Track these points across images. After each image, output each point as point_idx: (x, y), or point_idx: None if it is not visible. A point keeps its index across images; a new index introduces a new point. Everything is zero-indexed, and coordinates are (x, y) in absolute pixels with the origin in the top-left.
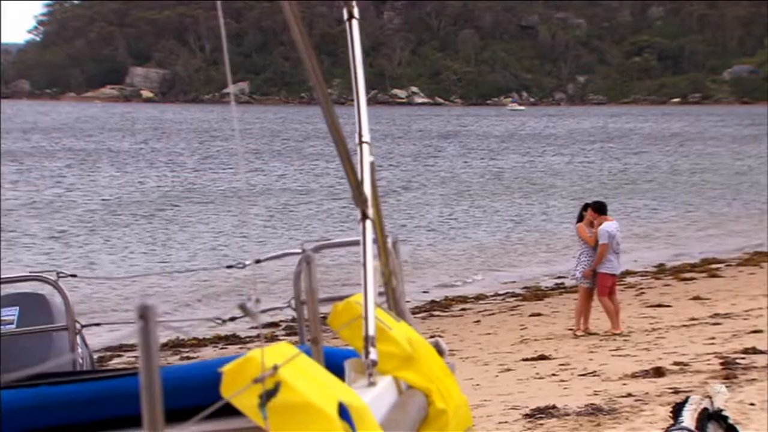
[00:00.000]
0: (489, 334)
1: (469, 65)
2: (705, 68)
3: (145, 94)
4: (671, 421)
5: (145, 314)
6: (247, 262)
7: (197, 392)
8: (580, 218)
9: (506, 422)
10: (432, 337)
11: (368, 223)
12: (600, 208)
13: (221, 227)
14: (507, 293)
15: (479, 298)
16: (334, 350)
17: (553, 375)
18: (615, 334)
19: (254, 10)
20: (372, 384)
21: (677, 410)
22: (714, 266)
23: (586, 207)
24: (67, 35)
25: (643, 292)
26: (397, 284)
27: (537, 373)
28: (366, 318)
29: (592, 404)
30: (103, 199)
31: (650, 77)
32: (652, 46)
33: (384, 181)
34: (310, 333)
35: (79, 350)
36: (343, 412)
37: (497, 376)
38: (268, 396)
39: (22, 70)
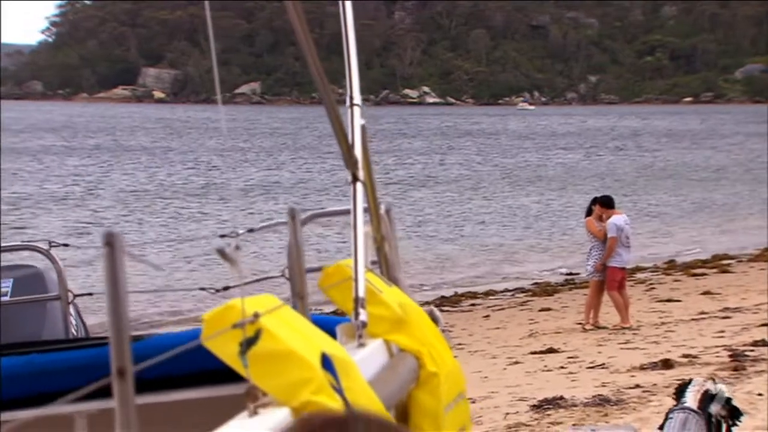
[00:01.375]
0: (498, 328)
1: (480, 65)
2: (717, 67)
3: (157, 94)
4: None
5: (111, 241)
6: (240, 231)
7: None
8: (589, 212)
9: (514, 413)
10: (426, 304)
11: (358, 186)
12: (607, 203)
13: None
14: (517, 289)
15: (489, 293)
16: (327, 318)
17: (562, 367)
18: (624, 328)
19: (265, 10)
20: (361, 345)
21: (680, 392)
22: (725, 262)
23: (594, 201)
24: (79, 36)
25: (653, 288)
26: (390, 251)
27: (545, 366)
28: (356, 279)
29: (599, 395)
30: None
31: (662, 77)
32: (664, 46)
33: (397, 179)
34: (296, 288)
35: (72, 320)
36: (327, 363)
37: (505, 368)
38: (248, 344)
39: (34, 71)
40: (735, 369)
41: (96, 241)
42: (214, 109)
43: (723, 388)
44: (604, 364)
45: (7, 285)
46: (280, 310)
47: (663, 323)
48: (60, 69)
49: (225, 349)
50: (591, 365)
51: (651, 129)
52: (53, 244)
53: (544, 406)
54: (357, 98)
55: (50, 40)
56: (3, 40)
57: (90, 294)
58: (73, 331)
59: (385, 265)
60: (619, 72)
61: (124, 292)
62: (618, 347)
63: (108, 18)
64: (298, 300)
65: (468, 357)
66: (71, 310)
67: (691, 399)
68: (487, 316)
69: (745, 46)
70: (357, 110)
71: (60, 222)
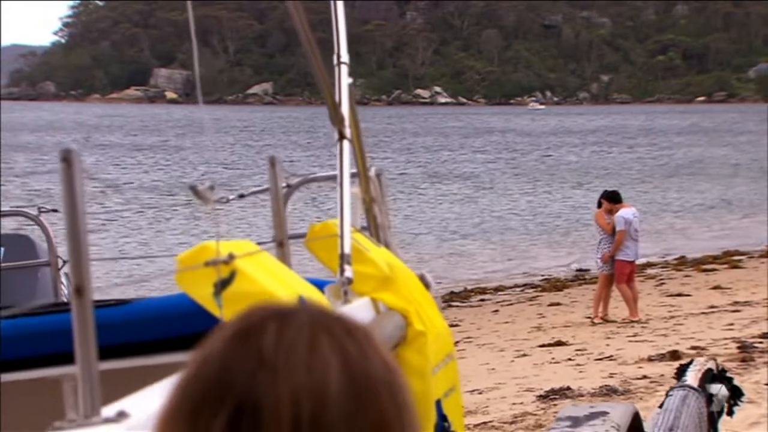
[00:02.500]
0: (507, 322)
1: (492, 65)
2: (730, 67)
3: (169, 95)
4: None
5: (68, 157)
6: (231, 197)
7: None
8: (599, 206)
9: (520, 403)
10: (418, 270)
11: (345, 144)
12: (613, 198)
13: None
14: (526, 284)
15: (498, 289)
16: (317, 280)
17: (569, 359)
18: (633, 321)
19: (277, 10)
20: (347, 302)
21: (681, 372)
22: (736, 258)
23: (604, 194)
24: (91, 37)
25: (663, 283)
26: (379, 214)
27: (553, 358)
28: (342, 236)
29: (606, 386)
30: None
31: (675, 76)
32: (677, 45)
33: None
34: (276, 236)
35: (63, 285)
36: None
37: (513, 361)
38: (223, 284)
39: (47, 72)
40: (743, 360)
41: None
42: (226, 110)
43: (723, 388)
44: (611, 356)
45: None
46: (258, 255)
47: (672, 317)
48: (73, 70)
49: (199, 290)
50: (599, 357)
51: (664, 127)
52: (42, 209)
53: (550, 396)
54: (344, 56)
55: (63, 41)
56: (16, 41)
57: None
58: (64, 296)
59: (374, 227)
60: (632, 71)
61: (82, 208)
62: (626, 340)
63: (120, 19)
64: (278, 247)
65: (476, 350)
66: (62, 276)
67: (691, 378)
68: (496, 310)
69: (758, 45)
70: (344, 68)
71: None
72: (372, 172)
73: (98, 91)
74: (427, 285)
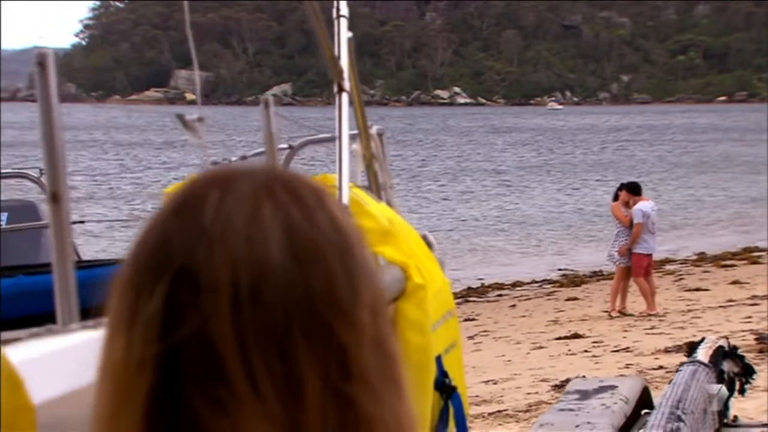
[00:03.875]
0: (523, 316)
1: (511, 65)
2: (751, 66)
3: (189, 96)
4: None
5: (43, 61)
6: (234, 158)
7: None
8: (616, 198)
9: (535, 392)
10: (421, 231)
11: (344, 96)
12: (634, 189)
13: None
14: (544, 280)
15: (516, 284)
16: None
17: (585, 351)
18: (650, 315)
19: (296, 12)
20: None
21: (692, 348)
22: (756, 254)
23: (621, 187)
24: (112, 39)
25: (681, 278)
26: (381, 174)
27: (569, 350)
28: (339, 187)
29: (622, 375)
30: None
31: (695, 76)
32: (698, 45)
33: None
34: None
35: None
36: None
37: (529, 353)
38: None
39: (68, 74)
40: (760, 351)
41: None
42: (245, 110)
43: (723, 389)
44: (628, 347)
45: (2, 219)
46: None
47: (690, 310)
48: (93, 71)
49: None
50: (615, 349)
51: (687, 126)
52: (44, 171)
53: (565, 385)
54: (344, 10)
55: (83, 42)
56: (36, 43)
57: (82, 222)
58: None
59: (374, 184)
60: (652, 71)
61: (57, 113)
62: (643, 332)
63: (140, 21)
64: None
65: (492, 343)
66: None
67: (702, 354)
68: (513, 305)
69: None
70: (344, 21)
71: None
72: (373, 130)
73: (118, 92)
74: (429, 245)
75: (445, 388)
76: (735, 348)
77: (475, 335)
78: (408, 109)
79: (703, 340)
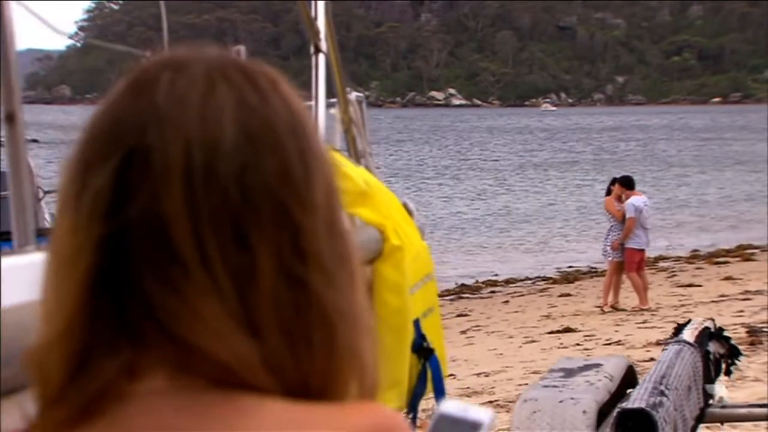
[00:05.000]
0: (516, 312)
1: (506, 66)
2: (746, 67)
3: None
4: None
5: None
6: None
7: None
8: (609, 193)
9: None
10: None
11: (320, 57)
12: (627, 183)
13: None
14: (538, 277)
15: (509, 281)
16: None
17: (577, 345)
18: (643, 309)
19: (291, 13)
20: None
21: (678, 329)
22: (749, 251)
23: (614, 182)
24: (106, 40)
25: (674, 275)
26: (360, 141)
27: (561, 344)
28: None
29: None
30: None
31: (690, 77)
32: (692, 46)
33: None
34: None
35: (46, 215)
36: None
37: (521, 346)
38: None
39: (63, 75)
40: (751, 343)
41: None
42: None
43: (723, 389)
44: (620, 341)
45: None
46: None
47: (682, 305)
48: (88, 73)
49: None
50: (607, 342)
51: (681, 125)
52: None
53: None
54: None
55: (78, 44)
56: (32, 45)
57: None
58: (47, 224)
59: (353, 148)
60: (647, 72)
61: (10, 27)
62: (635, 326)
63: (135, 22)
64: None
65: (485, 337)
66: (43, 206)
67: (688, 335)
68: (507, 301)
69: None
70: None
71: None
72: (352, 96)
73: None
74: (410, 212)
75: (422, 350)
76: (721, 329)
77: (468, 330)
78: (403, 110)
79: (689, 321)
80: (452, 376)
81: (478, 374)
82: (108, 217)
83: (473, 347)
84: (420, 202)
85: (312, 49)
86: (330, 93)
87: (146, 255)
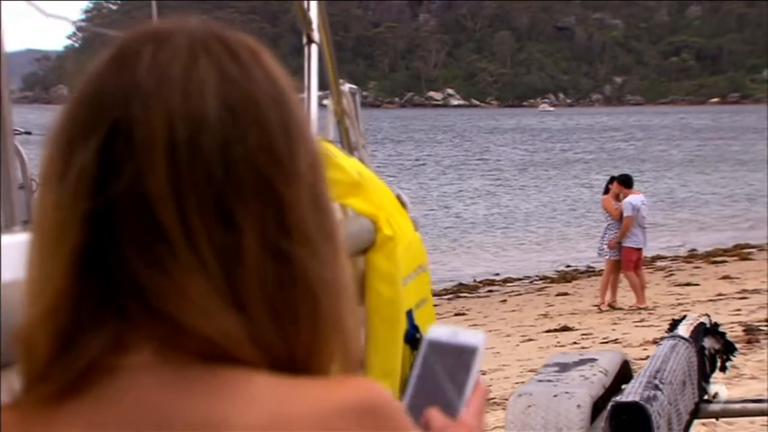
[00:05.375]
0: (514, 311)
1: (505, 67)
2: (744, 67)
3: None
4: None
5: None
6: None
7: None
8: (606, 191)
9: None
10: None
11: (313, 48)
12: (626, 182)
13: None
14: (535, 276)
15: (507, 281)
16: None
17: (574, 343)
18: (640, 308)
19: (289, 13)
20: None
21: (673, 325)
22: (746, 251)
23: (612, 180)
24: (105, 40)
25: (672, 274)
26: (353, 133)
27: (558, 342)
28: None
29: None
30: None
31: (688, 77)
32: (690, 46)
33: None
34: None
35: None
36: None
37: (518, 345)
38: None
39: (61, 76)
40: (748, 341)
41: None
42: None
43: (723, 389)
44: (617, 339)
45: None
46: None
47: (679, 304)
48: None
49: None
50: (604, 340)
51: (681, 125)
52: (16, 131)
53: None
54: None
55: (77, 44)
56: (30, 46)
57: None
58: None
59: (346, 139)
60: (645, 73)
61: None
62: (633, 325)
63: (133, 23)
64: None
65: None
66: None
67: (683, 330)
68: (504, 300)
69: None
70: None
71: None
72: (345, 87)
73: None
74: (403, 204)
75: (416, 341)
76: (716, 325)
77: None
78: (401, 110)
79: (684, 317)
80: None
81: None
82: (93, 194)
83: None
84: (421, 200)
85: (305, 40)
86: (323, 85)
87: (131, 233)
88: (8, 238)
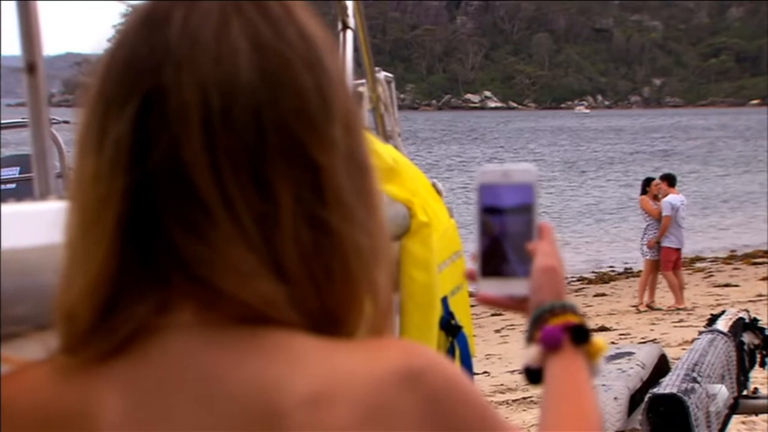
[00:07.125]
0: None
1: (542, 69)
2: None
3: None
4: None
5: None
6: None
7: None
8: (644, 192)
9: None
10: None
11: (348, 34)
12: (670, 180)
13: None
14: (573, 278)
15: None
16: None
17: (612, 343)
18: (678, 309)
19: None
20: None
21: (712, 320)
22: None
23: (648, 181)
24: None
25: (711, 275)
26: (388, 120)
27: None
28: None
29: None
30: None
31: (728, 79)
32: (730, 48)
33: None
34: None
35: None
36: None
37: None
38: None
39: None
40: None
41: None
42: None
43: (723, 389)
44: (655, 339)
45: (13, 172)
46: None
47: (719, 304)
48: None
49: None
50: (642, 341)
51: (722, 125)
52: (54, 121)
53: None
54: None
55: None
56: (70, 50)
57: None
58: None
59: (381, 126)
60: (684, 75)
61: None
62: (671, 325)
63: None
64: None
65: (518, 335)
66: None
67: (721, 325)
68: None
69: None
70: None
71: None
72: (381, 75)
73: None
74: (438, 192)
75: (450, 327)
76: (756, 320)
77: (502, 329)
78: (438, 113)
79: (723, 312)
80: (486, 374)
81: (512, 371)
82: (131, 166)
83: (507, 345)
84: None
85: (339, 26)
86: (358, 72)
87: (170, 203)
88: (44, 206)
